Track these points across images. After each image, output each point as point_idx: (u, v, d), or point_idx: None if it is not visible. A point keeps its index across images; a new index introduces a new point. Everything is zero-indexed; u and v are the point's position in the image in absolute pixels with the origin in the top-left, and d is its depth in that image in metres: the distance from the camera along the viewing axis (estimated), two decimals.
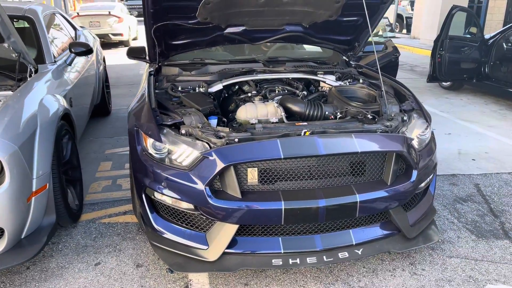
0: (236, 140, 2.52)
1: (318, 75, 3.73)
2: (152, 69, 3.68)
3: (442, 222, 3.32)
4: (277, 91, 3.38)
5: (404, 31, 19.34)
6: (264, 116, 2.93)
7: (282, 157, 2.39)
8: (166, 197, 2.56)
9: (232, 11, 3.32)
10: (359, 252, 2.60)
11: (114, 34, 14.24)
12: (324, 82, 3.65)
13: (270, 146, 2.44)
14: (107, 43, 14.22)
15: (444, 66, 7.18)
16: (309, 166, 2.54)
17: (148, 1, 2.96)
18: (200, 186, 2.43)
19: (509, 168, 4.44)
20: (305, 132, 2.59)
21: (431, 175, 2.93)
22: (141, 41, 15.48)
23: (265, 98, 3.29)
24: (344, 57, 4.20)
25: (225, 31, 3.59)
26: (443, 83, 8.16)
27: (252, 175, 2.50)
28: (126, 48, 5.49)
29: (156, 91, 3.22)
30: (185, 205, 2.54)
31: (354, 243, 2.60)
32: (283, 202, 2.42)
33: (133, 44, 15.09)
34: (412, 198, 2.85)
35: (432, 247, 2.97)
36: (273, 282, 2.63)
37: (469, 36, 7.47)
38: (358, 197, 2.50)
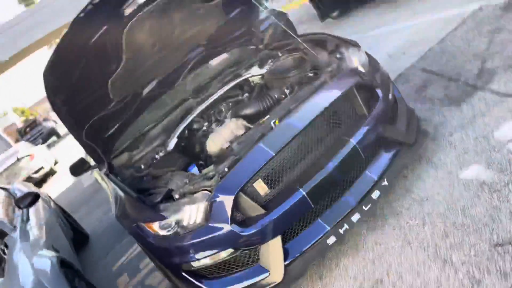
0: (226, 169, 2.53)
1: (244, 75, 3.81)
2: (104, 169, 3.59)
3: (423, 115, 3.51)
4: (223, 109, 3.42)
5: None
6: (231, 135, 2.96)
7: (274, 154, 2.43)
8: (204, 259, 2.52)
9: (138, 74, 3.34)
10: (386, 183, 2.70)
11: (35, 172, 13.63)
12: (253, 76, 3.73)
13: (257, 153, 2.48)
14: (38, 182, 13.59)
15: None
16: (299, 146, 2.59)
17: (64, 118, 2.92)
18: (226, 227, 2.41)
19: (433, 39, 4.76)
20: (274, 122, 2.65)
21: (390, 84, 3.09)
22: (63, 163, 14.92)
23: (218, 121, 3.32)
24: (251, 46, 4.31)
25: (143, 94, 3.60)
26: (333, 14, 8.57)
27: (261, 187, 2.52)
28: (56, 178, 5.26)
29: (125, 182, 3.15)
30: (225, 254, 2.50)
31: (376, 178, 2.69)
32: (300, 189, 2.47)
33: (57, 168, 14.55)
34: (392, 111, 2.99)
35: (432, 138, 3.13)
36: (340, 257, 2.66)
37: None
38: (353, 141, 2.60)
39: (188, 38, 3.53)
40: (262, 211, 2.47)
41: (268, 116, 2.83)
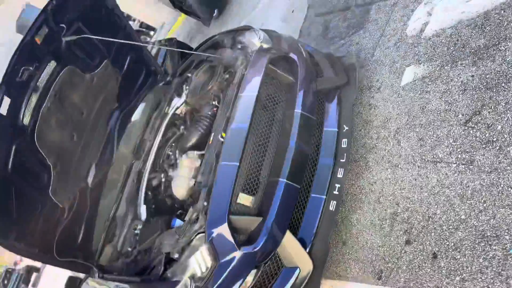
0: (205, 204, 2.47)
1: (169, 112, 3.73)
2: (96, 274, 3.39)
3: (340, 52, 3.58)
4: (170, 153, 3.32)
5: None
6: (191, 171, 2.87)
7: (238, 164, 2.39)
8: None
9: (72, 169, 3.19)
10: (347, 128, 2.75)
11: None
12: (178, 107, 3.65)
13: (223, 172, 2.42)
14: None
15: None
16: (256, 143, 2.57)
17: (28, 252, 2.75)
18: (237, 254, 2.33)
19: None
20: (222, 136, 2.61)
21: (298, 44, 3.14)
22: None
23: (172, 166, 3.23)
24: (160, 84, 4.24)
25: (90, 185, 3.44)
26: (213, 15, 8.66)
27: (245, 199, 2.47)
28: None
29: (123, 273, 3.00)
30: (250, 277, 2.43)
31: (337, 129, 2.73)
32: (280, 178, 2.45)
33: None
34: (313, 66, 3.02)
35: (360, 67, 3.20)
36: (350, 215, 2.67)
37: None
38: (298, 110, 2.61)
39: (99, 110, 3.40)
40: (259, 218, 2.42)
41: (212, 134, 2.78)
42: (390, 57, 2.95)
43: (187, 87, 3.65)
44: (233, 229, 2.36)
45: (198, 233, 2.44)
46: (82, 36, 2.69)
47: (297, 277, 2.48)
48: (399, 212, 2.34)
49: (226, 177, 2.41)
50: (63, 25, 2.68)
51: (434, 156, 2.27)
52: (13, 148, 2.55)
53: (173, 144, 3.34)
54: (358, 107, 3.02)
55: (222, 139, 2.61)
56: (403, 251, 2.22)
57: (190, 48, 5.35)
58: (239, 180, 2.45)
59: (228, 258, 2.35)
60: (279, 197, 2.42)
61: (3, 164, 2.51)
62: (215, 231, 2.35)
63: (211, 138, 2.77)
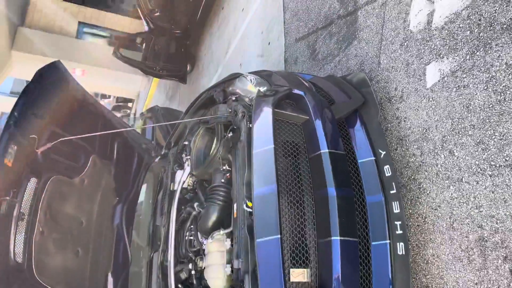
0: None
1: (176, 189, 3.30)
2: None
3: (341, 71, 3.24)
4: (191, 238, 2.87)
5: None
6: (222, 256, 2.41)
7: (279, 236, 1.97)
8: None
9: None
10: (383, 152, 2.35)
11: None
12: (184, 181, 3.23)
13: (264, 251, 2.00)
14: None
15: None
16: (289, 203, 2.16)
17: None
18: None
19: (276, 14, 4.64)
20: (247, 205, 2.19)
21: (294, 75, 2.79)
22: None
23: (198, 253, 2.77)
24: (155, 160, 3.85)
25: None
26: (187, 71, 8.45)
27: (299, 274, 2.03)
28: None
29: None
30: None
31: (373, 157, 2.35)
32: (332, 237, 2.02)
33: None
34: (321, 94, 2.66)
35: (370, 80, 2.85)
36: (420, 250, 2.22)
37: None
38: (323, 149, 2.22)
39: (99, 212, 3.00)
40: None
41: (235, 205, 2.36)
42: (401, 60, 2.60)
43: (188, 157, 3.25)
44: None
45: None
46: (58, 141, 2.31)
47: None
48: (487, 236, 1.90)
49: (270, 256, 1.97)
50: (34, 136, 2.31)
51: (507, 158, 1.86)
52: None
53: (191, 227, 2.89)
54: (384, 124, 2.64)
55: (248, 209, 2.19)
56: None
57: (175, 112, 5.01)
58: (285, 255, 2.02)
59: None
60: (339, 258, 1.98)
61: None
62: None
63: (235, 211, 2.35)
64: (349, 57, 3.17)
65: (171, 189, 3.38)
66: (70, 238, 2.62)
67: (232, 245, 2.38)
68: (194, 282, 2.72)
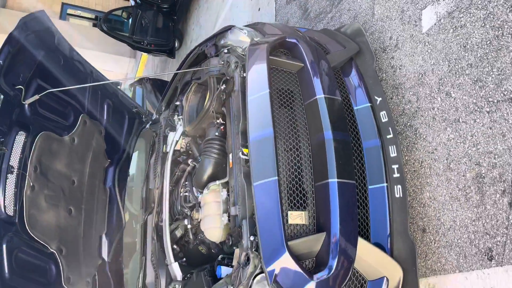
0: (252, 238, 2.01)
1: (169, 150, 3.25)
2: None
3: (335, 25, 3.19)
4: (187, 193, 2.83)
5: None
6: (219, 206, 2.39)
7: (276, 177, 1.94)
8: None
9: (86, 259, 2.72)
10: (379, 98, 2.33)
11: None
12: (177, 142, 3.17)
13: (262, 193, 1.97)
14: None
15: None
16: (286, 147, 2.13)
17: None
18: (311, 285, 1.86)
19: None
20: (243, 153, 2.16)
21: (288, 27, 2.73)
22: None
23: (193, 207, 2.74)
24: (147, 126, 3.78)
25: (107, 260, 2.95)
26: (175, 46, 8.31)
27: (296, 216, 2.01)
28: None
29: None
30: None
31: (368, 103, 2.33)
32: (329, 179, 2.00)
33: None
34: (316, 43, 2.61)
35: (365, 31, 2.80)
36: (418, 192, 2.23)
37: None
38: (318, 94, 2.18)
39: (90, 172, 2.95)
40: (322, 234, 1.95)
41: (230, 155, 2.33)
42: (396, 8, 2.56)
43: (180, 117, 3.20)
44: (296, 258, 1.90)
45: (256, 275, 1.96)
46: (46, 92, 2.23)
47: None
48: (485, 173, 1.90)
49: (267, 198, 1.95)
50: (20, 87, 2.23)
51: (505, 93, 1.85)
52: (4, 247, 2.06)
53: (186, 183, 2.85)
54: (379, 75, 2.61)
55: (245, 156, 2.16)
56: (511, 217, 1.77)
57: (165, 83, 4.93)
58: (283, 196, 2.00)
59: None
60: (336, 200, 1.96)
61: None
62: (276, 267, 1.87)
63: (231, 160, 2.32)
64: (342, 12, 3.12)
65: (163, 151, 3.33)
66: (62, 196, 2.57)
67: (228, 195, 2.36)
68: (190, 237, 2.69)
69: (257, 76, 2.21)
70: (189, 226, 2.71)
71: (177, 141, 3.11)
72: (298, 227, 2.01)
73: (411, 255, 2.02)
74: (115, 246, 3.07)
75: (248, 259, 2.01)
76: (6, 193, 2.15)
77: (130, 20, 7.80)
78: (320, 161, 2.07)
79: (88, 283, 2.62)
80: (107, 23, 7.86)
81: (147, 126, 3.82)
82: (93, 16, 14.00)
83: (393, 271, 2.00)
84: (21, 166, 2.25)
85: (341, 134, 2.11)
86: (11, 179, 2.18)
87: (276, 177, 1.94)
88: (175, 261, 2.72)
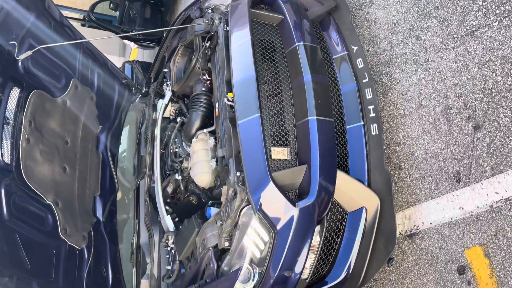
0: (238, 174, 2.14)
1: (158, 116, 3.37)
2: None
3: None
4: (177, 149, 2.94)
5: None
6: (207, 153, 2.51)
7: (259, 114, 2.08)
8: (308, 261, 2.07)
9: (81, 215, 2.82)
10: (355, 47, 2.48)
11: None
12: (166, 105, 3.28)
13: (246, 131, 2.10)
14: None
15: None
16: (269, 89, 2.27)
17: None
18: (294, 212, 1.98)
19: None
20: (228, 98, 2.29)
21: None
22: None
23: (181, 161, 2.85)
24: (138, 96, 3.89)
25: (102, 219, 3.06)
26: None
27: (279, 152, 2.14)
28: None
29: None
30: (317, 238, 2.08)
31: (345, 51, 2.49)
32: (309, 117, 2.13)
33: None
34: None
35: None
36: (394, 132, 2.37)
37: None
38: (297, 42, 2.32)
39: (83, 136, 3.06)
40: (303, 167, 2.09)
41: (216, 105, 2.45)
42: None
43: (168, 82, 3.32)
44: (280, 188, 2.03)
45: (242, 209, 2.09)
46: (39, 48, 2.34)
47: (365, 219, 2.15)
48: (452, 104, 2.05)
49: (251, 134, 2.08)
50: (14, 42, 2.33)
51: (468, 27, 2.00)
52: (2, 190, 2.16)
53: (176, 140, 2.97)
54: (356, 30, 2.75)
55: (230, 102, 2.29)
56: (475, 140, 1.92)
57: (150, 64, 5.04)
58: (266, 133, 2.13)
59: (285, 221, 2.01)
60: (316, 135, 2.10)
61: None
62: (262, 196, 2.00)
63: (217, 109, 2.45)
64: None
65: (153, 118, 3.44)
66: (57, 154, 2.67)
67: (215, 142, 2.48)
68: (181, 187, 2.81)
69: (239, 26, 2.35)
70: (179, 178, 2.82)
71: (166, 105, 3.22)
72: (281, 162, 2.14)
73: (387, 185, 2.16)
74: (109, 208, 3.18)
75: (235, 194, 2.14)
76: (2, 143, 2.25)
77: (118, 11, 7.88)
78: (300, 102, 2.21)
79: (84, 237, 2.72)
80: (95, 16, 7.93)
81: (137, 99, 3.93)
82: (81, 17, 13.99)
83: (371, 201, 2.14)
84: (16, 119, 2.35)
85: (320, 77, 2.25)
86: (7, 130, 2.28)
87: (259, 114, 2.07)
88: (168, 214, 2.83)
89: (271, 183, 1.99)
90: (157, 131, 3.20)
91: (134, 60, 5.60)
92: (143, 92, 3.91)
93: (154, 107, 3.51)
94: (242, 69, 2.21)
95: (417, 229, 2.20)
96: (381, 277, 2.40)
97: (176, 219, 2.96)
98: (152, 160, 3.17)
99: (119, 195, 3.55)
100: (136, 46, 10.47)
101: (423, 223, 2.16)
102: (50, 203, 2.48)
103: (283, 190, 2.04)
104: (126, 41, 8.53)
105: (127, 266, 3.25)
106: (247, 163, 2.07)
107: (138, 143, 3.64)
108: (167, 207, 2.98)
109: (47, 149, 2.57)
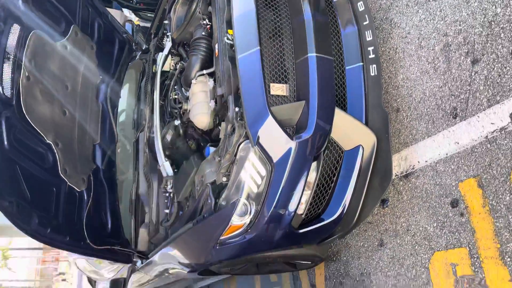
0: (237, 109, 2.16)
1: (158, 69, 3.37)
2: (139, 261, 3.02)
3: None
4: (177, 96, 2.95)
5: None
6: (206, 95, 2.52)
7: (259, 47, 2.10)
8: (304, 196, 2.11)
9: (75, 151, 2.84)
10: None
11: None
12: (166, 56, 3.27)
13: (246, 64, 2.11)
14: None
15: None
16: (268, 23, 2.27)
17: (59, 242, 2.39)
18: (291, 145, 2.00)
19: None
20: (228, 36, 2.29)
21: None
22: None
23: (181, 103, 2.85)
24: (138, 54, 3.88)
25: (101, 167, 3.09)
26: None
27: (278, 88, 2.16)
28: None
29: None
30: (313, 174, 2.11)
31: None
32: (308, 54, 2.14)
33: None
34: None
35: None
36: (393, 69, 2.38)
37: None
38: None
39: (83, 83, 3.06)
40: (302, 103, 2.10)
41: (216, 46, 2.45)
42: None
43: (168, 34, 3.31)
44: (279, 122, 2.05)
45: (240, 144, 2.12)
46: None
47: (362, 158, 2.18)
48: (451, 41, 2.05)
49: (251, 68, 2.09)
50: None
51: None
52: (3, 121, 2.18)
53: (175, 87, 2.98)
54: None
55: (230, 41, 2.29)
56: (473, 73, 1.93)
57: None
58: (266, 68, 2.14)
59: (282, 154, 2.03)
60: (315, 72, 2.11)
61: None
62: (260, 130, 2.03)
63: (216, 51, 2.45)
64: None
65: (153, 71, 3.44)
66: (56, 96, 2.68)
67: (215, 83, 2.49)
68: (181, 133, 2.82)
69: None
70: (178, 124, 2.83)
71: (166, 56, 3.22)
72: (279, 98, 2.15)
73: (384, 123, 2.17)
74: (108, 158, 3.20)
75: (233, 130, 2.17)
76: (3, 77, 2.26)
77: None
78: (300, 39, 2.21)
79: (83, 180, 2.75)
80: None
81: (137, 56, 3.93)
82: None
83: (368, 139, 2.16)
84: (16, 55, 2.35)
85: (320, 15, 2.25)
86: (7, 65, 2.29)
87: (259, 48, 2.08)
88: (165, 160, 2.84)
89: (270, 116, 2.02)
90: (157, 82, 3.21)
91: (137, 24, 5.57)
92: (143, 48, 3.91)
93: (154, 62, 3.51)
94: (242, 5, 2.21)
95: (413, 168, 2.22)
96: (376, 219, 2.44)
97: (175, 170, 2.99)
98: (152, 112, 3.19)
99: (118, 151, 3.55)
100: (137, 19, 10.37)
101: (418, 162, 2.19)
102: (50, 142, 2.50)
103: (281, 125, 2.06)
104: (125, 11, 8.46)
105: (125, 217, 3.30)
106: (246, 97, 2.09)
107: (137, 99, 3.66)
108: (167, 152, 2.99)
109: (47, 90, 2.58)
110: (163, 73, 3.35)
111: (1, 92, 2.22)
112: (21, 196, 2.15)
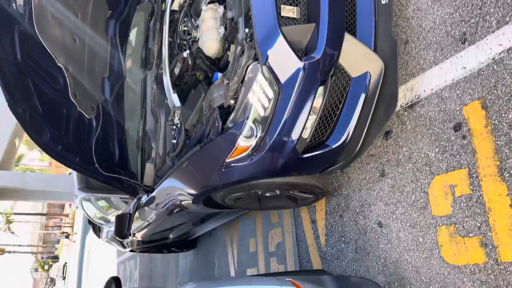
0: (247, 30, 2.18)
1: (167, 7, 3.36)
2: (145, 196, 3.10)
3: None
4: (185, 30, 2.96)
5: None
6: (216, 21, 2.53)
7: None
8: (309, 121, 2.14)
9: (85, 80, 2.87)
10: None
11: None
12: None
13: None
14: None
15: None
16: None
17: (68, 159, 2.45)
18: (299, 65, 2.03)
19: None
20: None
21: None
22: None
23: (191, 30, 2.84)
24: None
25: (109, 99, 3.13)
26: None
27: (289, 10, 2.16)
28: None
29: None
30: (320, 99, 2.14)
31: None
32: None
33: None
34: None
35: None
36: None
37: None
38: None
39: (93, 15, 3.06)
40: (312, 25, 2.12)
41: None
42: None
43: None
44: (289, 42, 2.06)
45: (249, 65, 2.14)
46: None
47: (369, 83, 2.20)
48: None
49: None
50: None
51: None
52: (16, 35, 2.21)
53: (185, 19, 2.97)
54: None
55: None
56: None
57: None
58: None
59: (290, 74, 2.06)
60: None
61: (11, 49, 2.18)
62: (270, 50, 2.05)
63: None
64: None
65: (162, 9, 3.43)
66: (67, 22, 2.70)
67: (225, 10, 2.50)
68: (189, 63, 2.84)
69: None
70: (187, 55, 2.84)
71: None
72: (290, 20, 2.16)
73: (393, 50, 2.19)
74: (117, 92, 3.24)
75: (243, 51, 2.19)
76: None
77: None
78: None
79: (93, 108, 2.80)
80: None
81: (145, 1, 3.91)
82: None
83: (375, 65, 2.19)
84: None
85: None
86: None
87: None
88: (173, 93, 2.88)
89: (281, 36, 2.03)
90: (166, 19, 3.20)
91: None
92: None
93: (164, 1, 3.49)
94: None
95: (418, 98, 2.25)
96: (379, 151, 2.49)
97: (185, 89, 3.01)
98: (161, 48, 3.20)
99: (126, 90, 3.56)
100: None
101: (424, 90, 2.21)
102: (61, 66, 2.53)
103: (291, 45, 2.08)
104: None
105: (133, 153, 3.37)
106: (257, 17, 2.10)
107: (146, 38, 3.66)
108: (176, 83, 2.99)
109: (57, 14, 2.60)
110: (172, 12, 3.35)
111: (13, 4, 2.24)
112: (34, 108, 2.20)
